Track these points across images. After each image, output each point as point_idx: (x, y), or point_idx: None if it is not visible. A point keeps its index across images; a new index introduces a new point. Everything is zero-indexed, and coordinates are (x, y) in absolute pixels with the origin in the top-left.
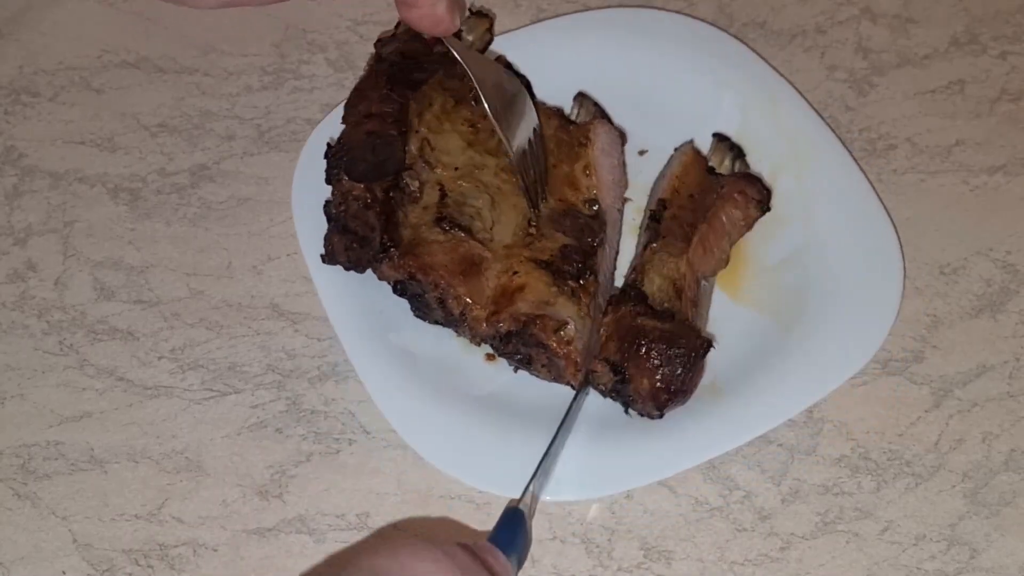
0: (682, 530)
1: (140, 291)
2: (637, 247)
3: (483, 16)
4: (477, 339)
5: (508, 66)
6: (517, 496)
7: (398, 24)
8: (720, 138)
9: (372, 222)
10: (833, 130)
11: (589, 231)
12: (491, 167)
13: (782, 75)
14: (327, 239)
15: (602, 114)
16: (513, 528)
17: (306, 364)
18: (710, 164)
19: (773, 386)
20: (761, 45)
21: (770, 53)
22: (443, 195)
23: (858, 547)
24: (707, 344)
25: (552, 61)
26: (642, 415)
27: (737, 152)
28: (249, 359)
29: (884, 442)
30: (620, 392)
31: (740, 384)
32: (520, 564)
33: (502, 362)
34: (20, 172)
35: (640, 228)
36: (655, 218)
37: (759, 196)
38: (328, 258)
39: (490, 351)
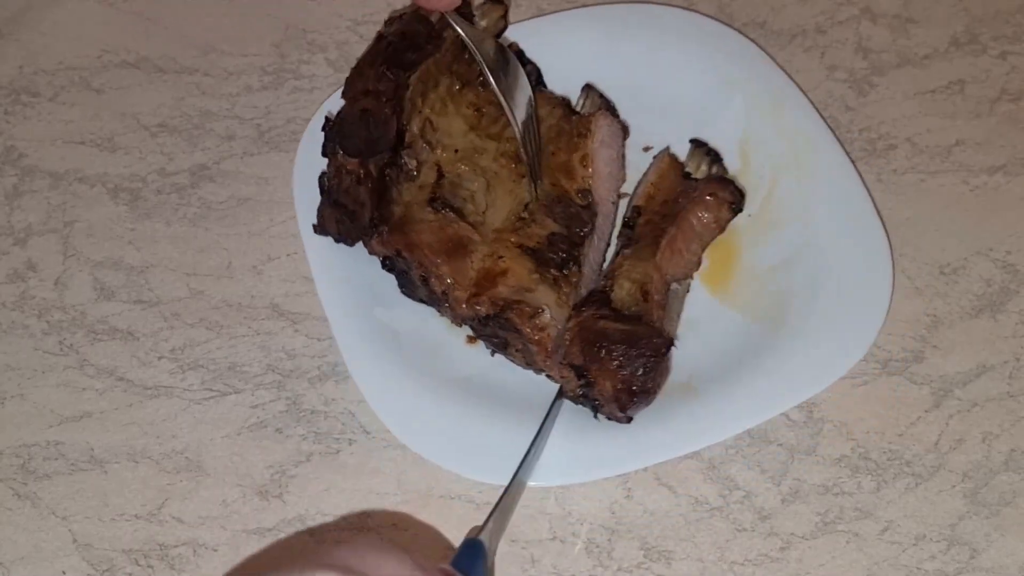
0: (682, 530)
1: (140, 291)
2: (612, 254)
3: (498, 2)
4: (458, 320)
5: (520, 53)
6: (490, 482)
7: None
8: (697, 144)
9: (363, 198)
10: (836, 136)
11: (579, 221)
12: (491, 151)
13: (791, 77)
14: (319, 210)
15: (607, 107)
16: (473, 558)
17: (306, 364)
18: (687, 170)
19: (747, 388)
20: (761, 45)
21: (770, 53)
22: (440, 176)
23: (858, 547)
24: (668, 343)
25: (564, 52)
26: (610, 419)
27: (714, 157)
28: (249, 359)
29: (884, 442)
30: (587, 396)
31: (714, 384)
32: None
33: (482, 346)
34: (20, 172)
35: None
36: (629, 225)
37: (731, 198)
38: (319, 228)
39: (471, 334)
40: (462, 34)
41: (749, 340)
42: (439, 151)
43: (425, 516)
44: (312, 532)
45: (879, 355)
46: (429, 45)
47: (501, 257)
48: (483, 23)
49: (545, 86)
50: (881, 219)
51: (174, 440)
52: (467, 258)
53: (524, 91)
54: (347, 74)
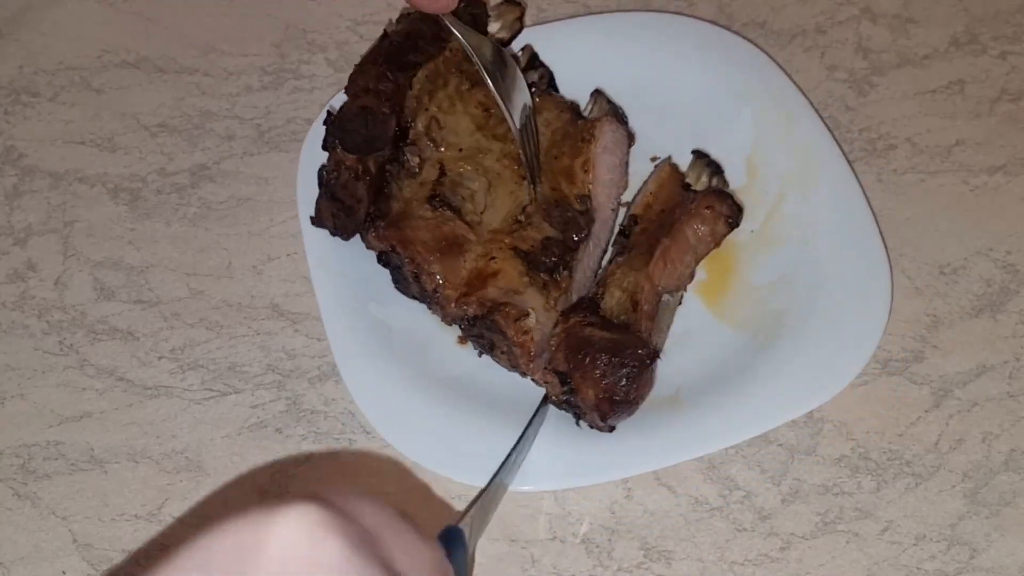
0: (682, 530)
1: (140, 291)
2: (606, 262)
3: (514, 4)
4: (448, 319)
5: (534, 56)
6: (469, 483)
7: None
8: (699, 155)
9: (360, 194)
10: (846, 157)
11: (575, 226)
12: (495, 152)
13: (803, 92)
14: (317, 203)
15: (615, 113)
16: (453, 544)
17: (306, 364)
18: (687, 180)
19: (735, 403)
20: (761, 45)
21: (770, 53)
22: (442, 174)
23: (858, 547)
24: (653, 355)
25: (577, 58)
26: (592, 427)
27: (715, 169)
28: (249, 359)
29: (884, 442)
30: (570, 403)
31: (701, 397)
32: None
33: (471, 346)
34: (20, 172)
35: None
36: (624, 233)
37: (728, 212)
38: (316, 221)
39: (462, 334)
40: (459, 36)
41: (740, 356)
42: (443, 149)
43: (425, 517)
44: None
45: (879, 355)
46: (432, 47)
47: (493, 258)
48: (498, 24)
49: (557, 90)
50: (884, 243)
51: (174, 440)
52: (460, 257)
53: (522, 94)
54: (347, 74)
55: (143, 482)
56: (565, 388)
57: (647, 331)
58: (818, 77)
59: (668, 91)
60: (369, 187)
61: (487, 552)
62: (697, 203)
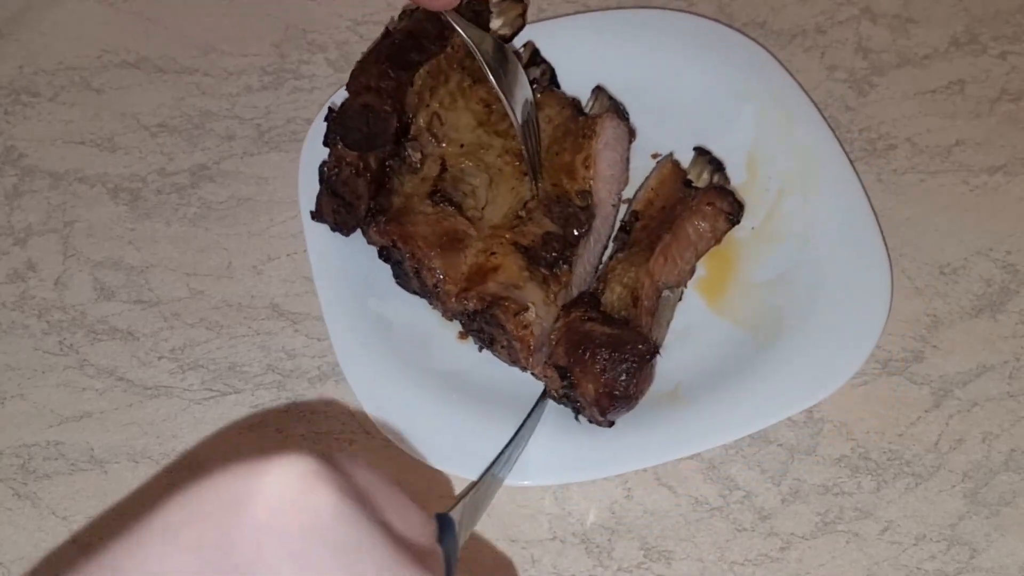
0: (682, 530)
1: (140, 291)
2: (607, 258)
3: (516, 1)
4: (448, 314)
5: (536, 52)
6: (465, 477)
7: None
8: (700, 151)
9: (360, 191)
10: (848, 156)
11: (576, 221)
12: (497, 148)
13: (805, 92)
14: (318, 198)
15: (616, 110)
16: (444, 531)
17: (306, 364)
18: (688, 177)
19: (734, 399)
20: (761, 45)
21: (778, 58)
22: (443, 169)
23: (858, 547)
24: (653, 350)
25: (579, 55)
26: (591, 422)
27: (716, 166)
28: (249, 359)
29: (884, 442)
30: (569, 398)
31: (700, 393)
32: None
33: (472, 342)
34: (20, 172)
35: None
36: (625, 229)
37: (729, 209)
38: (317, 216)
39: (463, 329)
40: (461, 32)
41: (740, 352)
42: (444, 145)
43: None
44: None
45: (879, 355)
46: (434, 46)
47: (494, 253)
48: (500, 21)
49: (558, 86)
50: (885, 243)
51: (174, 440)
52: (461, 253)
53: (524, 90)
54: (347, 74)
55: (143, 482)
56: (565, 383)
57: (647, 327)
58: (818, 77)
59: (669, 88)
60: (370, 183)
61: (487, 552)
62: (698, 199)
